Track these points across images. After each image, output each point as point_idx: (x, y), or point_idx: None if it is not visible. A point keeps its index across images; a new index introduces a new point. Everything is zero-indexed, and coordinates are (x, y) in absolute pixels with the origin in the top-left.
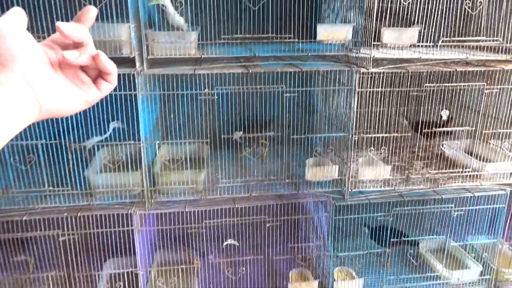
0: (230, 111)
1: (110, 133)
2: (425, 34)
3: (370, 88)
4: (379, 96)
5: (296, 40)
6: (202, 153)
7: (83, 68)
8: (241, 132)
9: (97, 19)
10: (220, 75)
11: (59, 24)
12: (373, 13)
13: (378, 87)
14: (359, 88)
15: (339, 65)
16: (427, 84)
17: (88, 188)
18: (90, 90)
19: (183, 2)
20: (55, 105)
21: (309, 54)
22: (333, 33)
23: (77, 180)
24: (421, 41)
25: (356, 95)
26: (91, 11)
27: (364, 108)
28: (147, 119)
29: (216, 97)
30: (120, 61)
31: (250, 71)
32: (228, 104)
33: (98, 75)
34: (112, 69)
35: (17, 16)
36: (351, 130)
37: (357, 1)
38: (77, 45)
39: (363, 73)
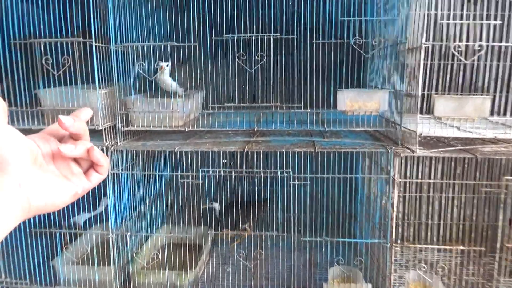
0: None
1: (102, 210)
2: (502, 103)
3: (417, 178)
4: (433, 187)
5: (309, 110)
6: (203, 241)
7: (75, 159)
8: (217, 204)
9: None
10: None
11: (61, 117)
12: (419, 73)
13: (430, 177)
14: (400, 177)
15: (371, 144)
16: (508, 178)
17: (54, 283)
18: (80, 181)
19: (168, 64)
20: (44, 202)
21: (327, 129)
22: (359, 102)
23: (41, 271)
24: (496, 114)
25: (396, 187)
26: (88, 112)
27: (413, 193)
28: (126, 199)
29: (201, 182)
30: (95, 132)
31: (246, 150)
32: (223, 184)
33: (90, 166)
34: (104, 162)
35: None
36: (390, 237)
37: (394, 56)
38: (73, 136)
39: (406, 156)
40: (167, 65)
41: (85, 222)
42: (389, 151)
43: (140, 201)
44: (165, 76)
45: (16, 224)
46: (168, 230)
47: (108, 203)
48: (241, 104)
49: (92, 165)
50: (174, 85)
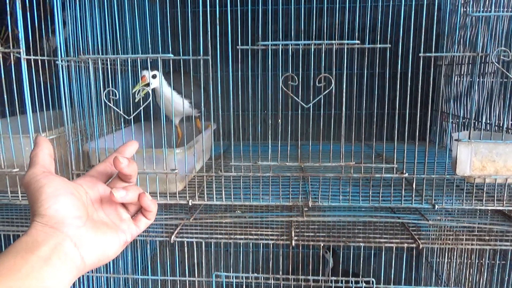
0: None
1: None
2: None
3: None
4: None
5: (406, 174)
6: None
7: (123, 203)
8: None
9: None
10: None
11: (120, 158)
12: None
13: None
14: None
15: None
16: None
17: None
18: (129, 228)
19: (157, 74)
20: (98, 259)
21: (437, 206)
22: (497, 162)
23: None
24: None
25: None
26: (134, 147)
27: None
28: None
29: None
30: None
31: (294, 244)
32: None
33: (137, 210)
34: (154, 208)
35: (45, 156)
36: None
37: None
38: (123, 178)
39: None
40: (154, 76)
41: None
42: None
43: None
44: (163, 88)
45: (70, 284)
46: None
47: None
48: (287, 163)
49: (139, 210)
50: (186, 104)
